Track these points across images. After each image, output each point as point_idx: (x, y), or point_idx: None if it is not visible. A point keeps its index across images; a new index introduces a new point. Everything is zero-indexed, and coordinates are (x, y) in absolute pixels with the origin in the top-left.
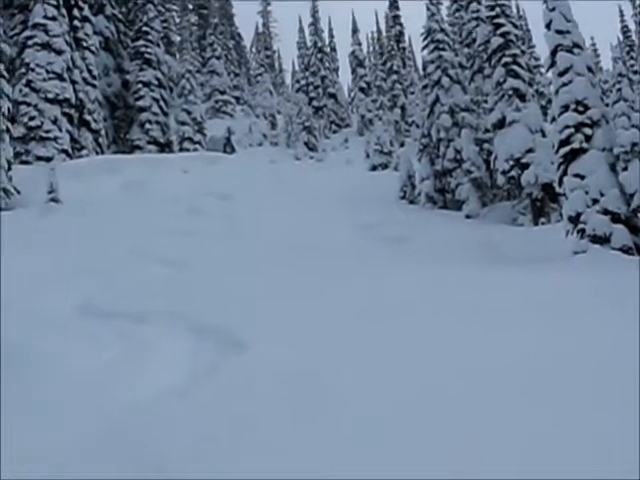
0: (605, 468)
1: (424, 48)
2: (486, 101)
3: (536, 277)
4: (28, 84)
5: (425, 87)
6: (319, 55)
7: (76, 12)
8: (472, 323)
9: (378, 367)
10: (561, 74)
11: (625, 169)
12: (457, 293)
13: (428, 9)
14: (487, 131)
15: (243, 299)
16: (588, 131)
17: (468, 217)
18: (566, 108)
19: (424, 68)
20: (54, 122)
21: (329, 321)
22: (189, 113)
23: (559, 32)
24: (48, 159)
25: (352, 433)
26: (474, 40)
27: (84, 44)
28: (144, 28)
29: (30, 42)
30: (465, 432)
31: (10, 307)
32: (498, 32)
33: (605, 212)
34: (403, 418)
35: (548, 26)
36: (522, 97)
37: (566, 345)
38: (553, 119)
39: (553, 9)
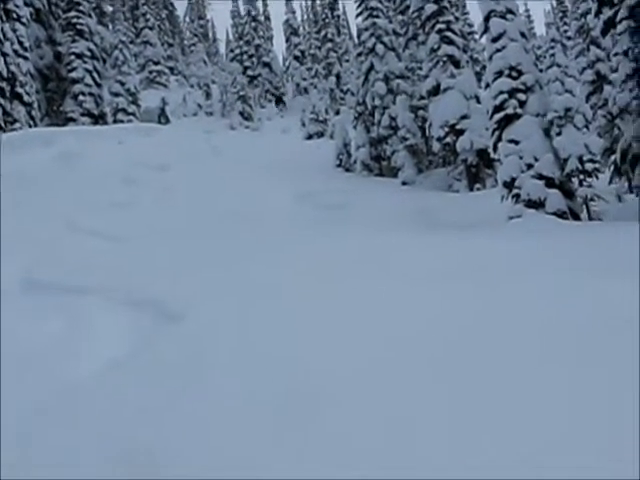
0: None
1: (358, 15)
2: (421, 68)
3: (472, 242)
4: None
5: (360, 55)
6: (253, 24)
7: None
8: (410, 287)
9: (319, 330)
10: (494, 40)
11: (559, 134)
12: (395, 258)
13: None
14: (422, 98)
15: (179, 272)
16: (522, 97)
17: (404, 184)
18: (500, 74)
19: (358, 36)
20: None
21: (265, 289)
22: (123, 84)
23: None
24: None
25: (295, 399)
26: (408, 7)
27: (14, 15)
28: None
29: None
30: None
31: None
32: None
33: (540, 177)
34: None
35: None
36: (456, 64)
37: (507, 307)
38: (487, 85)
39: None
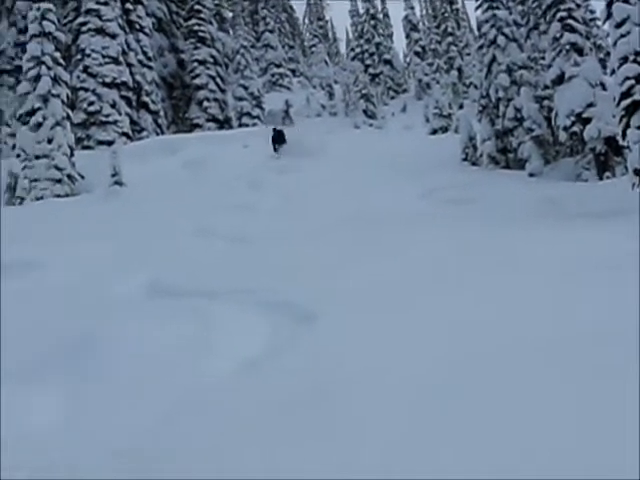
0: None
1: (477, 8)
2: (543, 57)
3: (610, 234)
4: (85, 70)
5: (481, 47)
6: (372, 22)
7: None
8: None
9: (453, 328)
10: (618, 25)
11: None
12: (535, 254)
13: None
14: (546, 88)
15: (307, 273)
16: None
17: (531, 175)
18: (625, 60)
19: (479, 28)
20: (113, 106)
21: (397, 290)
22: (246, 88)
23: None
24: (109, 143)
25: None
26: None
27: (137, 26)
28: (196, 6)
29: (84, 28)
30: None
31: (81, 291)
32: None
33: None
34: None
35: None
36: (580, 51)
37: None
38: (612, 72)
39: None
